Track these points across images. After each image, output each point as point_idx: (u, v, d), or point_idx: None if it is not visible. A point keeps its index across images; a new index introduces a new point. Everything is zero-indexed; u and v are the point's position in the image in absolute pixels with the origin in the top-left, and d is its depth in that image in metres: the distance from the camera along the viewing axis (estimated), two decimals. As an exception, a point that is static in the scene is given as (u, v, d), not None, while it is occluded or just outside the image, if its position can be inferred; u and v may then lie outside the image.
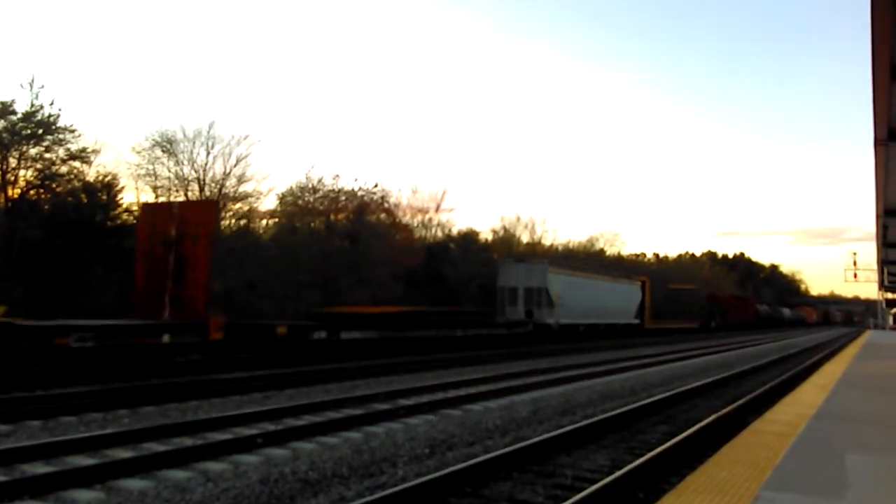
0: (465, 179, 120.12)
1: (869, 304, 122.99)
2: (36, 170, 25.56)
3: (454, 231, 47.75)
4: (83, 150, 26.38)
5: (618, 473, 7.12)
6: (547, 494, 6.86)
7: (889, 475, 5.85)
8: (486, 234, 53.53)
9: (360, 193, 38.79)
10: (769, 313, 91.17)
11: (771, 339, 51.56)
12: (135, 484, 6.75)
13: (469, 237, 47.94)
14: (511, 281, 32.90)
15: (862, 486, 5.32)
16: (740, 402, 12.93)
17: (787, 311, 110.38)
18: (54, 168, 25.86)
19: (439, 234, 46.06)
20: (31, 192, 25.55)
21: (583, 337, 35.07)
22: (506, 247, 50.58)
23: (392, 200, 41.74)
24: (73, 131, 25.84)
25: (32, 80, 25.09)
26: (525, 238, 57.35)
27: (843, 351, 30.52)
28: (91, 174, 27.20)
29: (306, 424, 9.71)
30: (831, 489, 5.17)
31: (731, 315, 71.02)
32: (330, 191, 37.77)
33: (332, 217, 37.92)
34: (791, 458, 6.15)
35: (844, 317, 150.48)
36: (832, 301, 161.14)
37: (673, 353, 28.90)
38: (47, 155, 25.56)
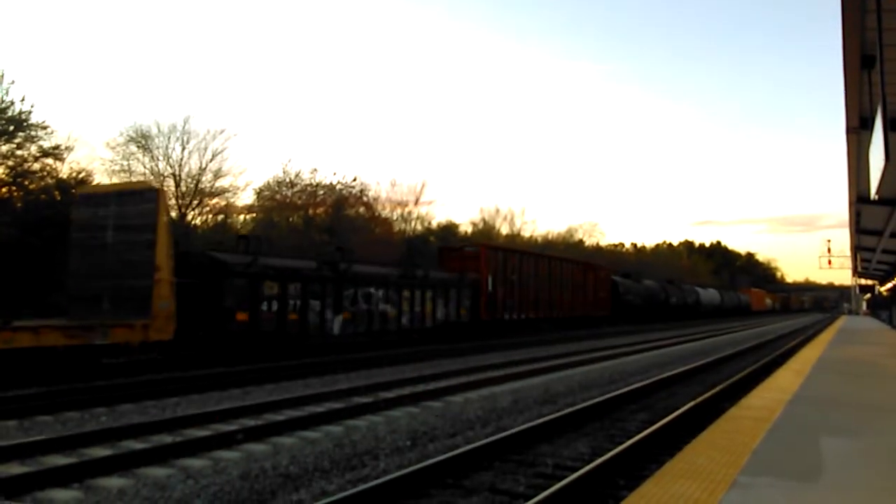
0: (445, 172, 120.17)
1: (843, 291, 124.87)
2: (8, 167, 25.07)
3: (434, 224, 47.81)
4: (56, 146, 25.94)
5: (598, 461, 7.18)
6: (528, 483, 6.90)
7: (861, 457, 5.96)
8: (465, 227, 53.76)
9: (338, 187, 38.67)
10: (652, 297, 49.83)
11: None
12: (114, 482, 6.69)
13: (449, 229, 48.01)
14: None
15: (836, 468, 5.41)
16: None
17: (708, 293, 67.34)
18: (27, 165, 25.38)
19: (419, 227, 46.06)
20: (3, 189, 25.04)
21: None
22: (485, 238, 50.67)
23: (371, 194, 41.64)
24: (45, 128, 25.38)
25: (2, 76, 24.60)
26: (505, 230, 57.59)
27: (818, 337, 31.00)
28: (65, 171, 26.73)
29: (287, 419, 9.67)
30: (807, 472, 5.25)
31: (525, 299, 31.11)
32: (308, 185, 37.62)
33: (310, 211, 37.71)
34: (767, 443, 6.24)
35: (814, 302, 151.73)
36: (807, 288, 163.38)
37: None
38: (19, 152, 25.08)
